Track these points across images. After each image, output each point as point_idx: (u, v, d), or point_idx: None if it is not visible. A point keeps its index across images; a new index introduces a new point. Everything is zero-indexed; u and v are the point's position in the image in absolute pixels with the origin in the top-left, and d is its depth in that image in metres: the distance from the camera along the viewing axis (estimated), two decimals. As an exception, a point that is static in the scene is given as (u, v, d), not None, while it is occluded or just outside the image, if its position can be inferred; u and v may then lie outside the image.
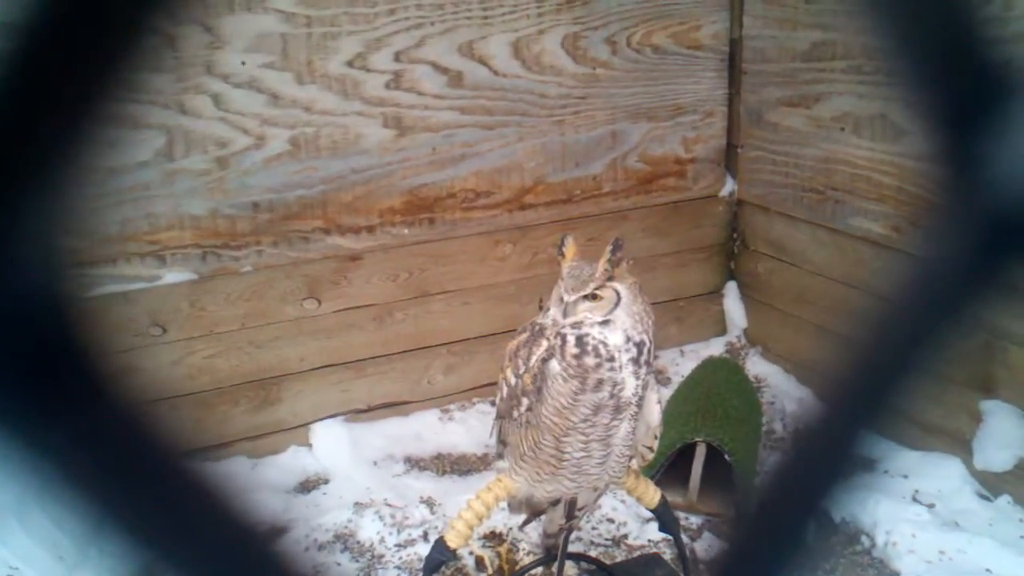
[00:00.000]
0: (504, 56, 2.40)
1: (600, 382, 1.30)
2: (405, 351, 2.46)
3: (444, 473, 2.24)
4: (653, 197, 2.71)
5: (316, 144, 2.23)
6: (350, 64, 2.23)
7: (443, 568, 1.67)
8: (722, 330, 2.88)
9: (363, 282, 2.37)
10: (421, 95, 2.33)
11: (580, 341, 1.29)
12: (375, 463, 2.26)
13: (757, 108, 2.64)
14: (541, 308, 1.46)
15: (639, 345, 1.32)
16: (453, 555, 1.52)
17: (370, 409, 2.42)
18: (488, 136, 2.43)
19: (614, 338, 1.30)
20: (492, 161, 2.46)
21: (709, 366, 2.40)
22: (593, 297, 1.30)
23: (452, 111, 2.37)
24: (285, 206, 2.23)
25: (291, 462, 2.27)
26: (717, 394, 2.18)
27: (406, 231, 2.39)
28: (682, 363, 2.67)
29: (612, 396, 1.31)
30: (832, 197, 2.41)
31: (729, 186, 2.79)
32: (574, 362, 1.30)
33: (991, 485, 2.02)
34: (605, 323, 1.30)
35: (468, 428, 2.37)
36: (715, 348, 2.78)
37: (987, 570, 1.79)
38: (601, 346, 1.30)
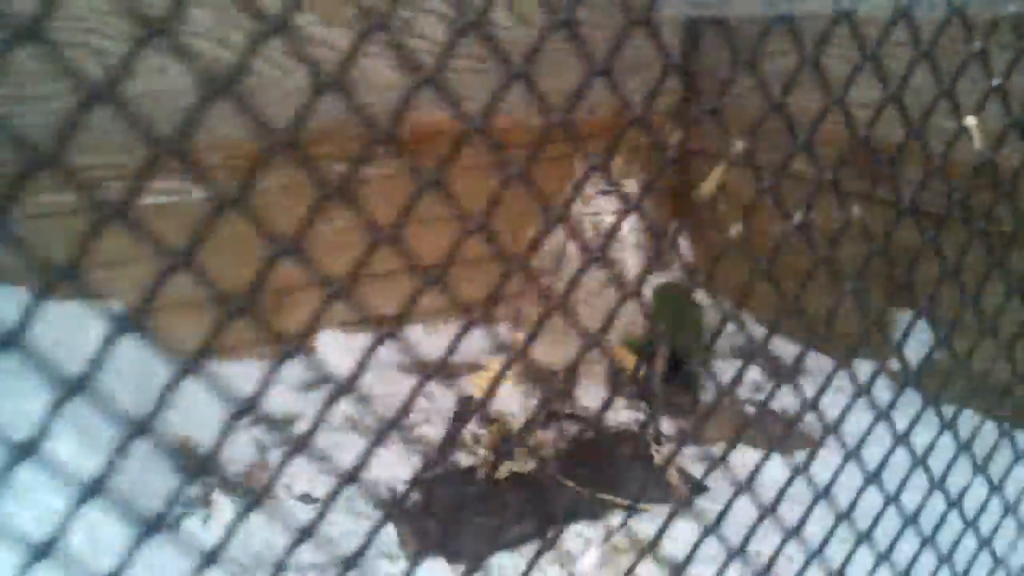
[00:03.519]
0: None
1: (612, 263, 1.60)
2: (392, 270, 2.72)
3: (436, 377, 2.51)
4: (612, 144, 3.00)
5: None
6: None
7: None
8: (672, 265, 3.22)
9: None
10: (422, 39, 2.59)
11: (593, 227, 1.60)
12: (371, 368, 2.52)
13: (712, 66, 2.97)
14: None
15: (642, 232, 1.63)
16: (472, 403, 1.82)
17: (362, 321, 2.68)
18: (471, 81, 2.70)
19: (624, 225, 1.60)
20: (472, 106, 2.72)
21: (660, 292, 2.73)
22: (606, 193, 1.60)
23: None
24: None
25: (296, 366, 2.52)
26: (670, 312, 2.51)
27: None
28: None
29: (620, 276, 1.62)
30: (778, 145, 2.74)
31: (679, 135, 3.11)
32: (588, 245, 1.60)
33: (900, 381, 2.40)
34: (617, 213, 1.60)
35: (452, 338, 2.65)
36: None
37: (895, 436, 2.16)
38: (611, 230, 1.60)
